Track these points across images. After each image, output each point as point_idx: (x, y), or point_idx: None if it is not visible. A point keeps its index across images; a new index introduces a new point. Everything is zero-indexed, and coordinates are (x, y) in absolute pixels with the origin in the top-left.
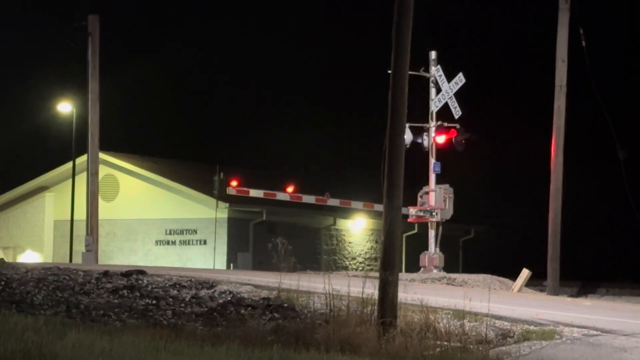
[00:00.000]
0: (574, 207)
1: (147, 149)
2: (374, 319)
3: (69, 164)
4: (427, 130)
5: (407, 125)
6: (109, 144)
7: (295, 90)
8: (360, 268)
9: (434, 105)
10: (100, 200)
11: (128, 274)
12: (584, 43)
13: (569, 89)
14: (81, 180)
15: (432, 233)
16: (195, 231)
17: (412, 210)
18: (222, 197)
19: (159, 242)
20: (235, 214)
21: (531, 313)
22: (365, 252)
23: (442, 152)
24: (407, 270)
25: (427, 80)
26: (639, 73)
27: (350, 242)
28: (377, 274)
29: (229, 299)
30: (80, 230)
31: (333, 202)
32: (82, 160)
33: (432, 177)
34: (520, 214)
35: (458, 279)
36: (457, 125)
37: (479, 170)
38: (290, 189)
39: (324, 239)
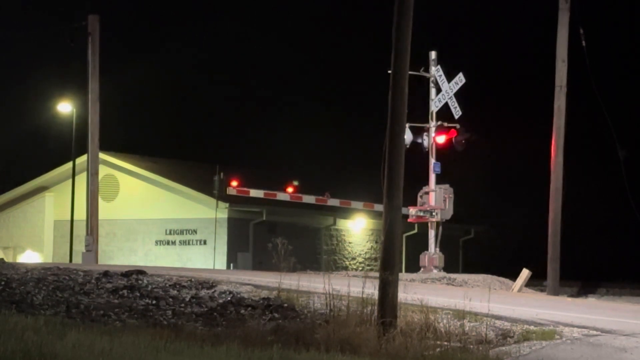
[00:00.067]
0: (574, 207)
1: (147, 149)
2: (374, 319)
3: (69, 164)
4: (427, 130)
5: (407, 125)
6: (109, 144)
7: (295, 90)
8: (360, 268)
9: (434, 105)
10: (100, 200)
11: (128, 274)
12: (584, 43)
13: (569, 89)
14: (81, 180)
15: (432, 233)
16: (195, 231)
17: (412, 210)
18: (222, 197)
19: (159, 242)
20: (235, 214)
21: (531, 313)
22: (365, 252)
23: (442, 152)
24: (407, 270)
25: (427, 80)
26: (639, 73)
27: (350, 242)
28: (377, 274)
29: (229, 299)
30: (80, 230)
31: (333, 202)
32: (82, 160)
33: (432, 177)
34: (520, 214)
35: (458, 279)
36: (457, 125)
37: (479, 170)
38: (290, 189)
39: (324, 239)
